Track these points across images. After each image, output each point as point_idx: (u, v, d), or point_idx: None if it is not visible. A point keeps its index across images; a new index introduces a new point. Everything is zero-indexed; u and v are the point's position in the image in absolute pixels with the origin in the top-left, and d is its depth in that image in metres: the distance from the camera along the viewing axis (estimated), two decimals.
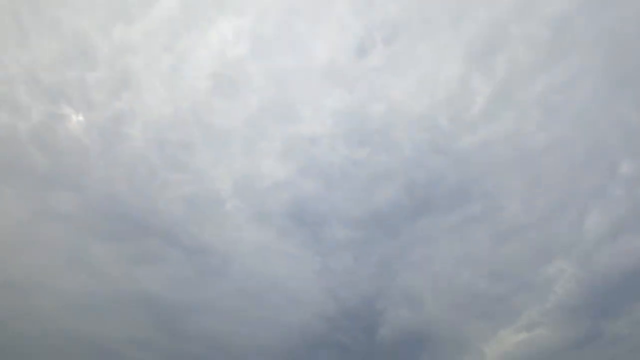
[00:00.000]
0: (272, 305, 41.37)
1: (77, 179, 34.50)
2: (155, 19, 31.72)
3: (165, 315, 39.13)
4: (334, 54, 33.35)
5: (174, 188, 35.47)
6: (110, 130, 31.52)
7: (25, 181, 33.50)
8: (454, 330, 41.26)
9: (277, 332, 41.27)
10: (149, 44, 30.66)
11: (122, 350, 38.32)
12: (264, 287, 41.11)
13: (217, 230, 38.40)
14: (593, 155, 36.53)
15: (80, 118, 30.45)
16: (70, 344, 36.99)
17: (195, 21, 32.44)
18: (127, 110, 31.20)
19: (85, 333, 37.62)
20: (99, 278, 37.84)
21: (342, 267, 41.48)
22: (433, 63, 33.36)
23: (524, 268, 40.20)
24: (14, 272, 34.47)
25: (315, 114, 34.69)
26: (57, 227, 36.09)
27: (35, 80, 31.05)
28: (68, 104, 30.35)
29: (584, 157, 36.68)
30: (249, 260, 40.16)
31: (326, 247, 41.29)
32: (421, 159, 37.60)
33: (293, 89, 33.51)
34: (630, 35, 32.18)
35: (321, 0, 33.36)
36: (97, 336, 37.88)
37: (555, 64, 33.34)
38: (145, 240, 37.66)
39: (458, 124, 35.85)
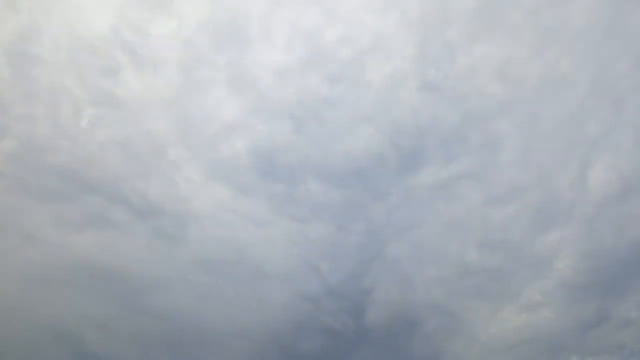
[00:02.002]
0: (245, 281, 36.22)
1: None
2: None
3: (124, 291, 33.97)
4: None
5: (105, 129, 30.57)
6: (17, 51, 26.64)
7: None
8: (447, 312, 35.99)
9: (256, 314, 36.03)
10: None
11: (79, 332, 33.23)
12: (231, 258, 36.04)
13: (166, 186, 33.43)
14: (596, 89, 31.15)
15: None
16: (15, 328, 32.01)
17: None
18: (31, 26, 26.28)
19: (33, 312, 32.66)
20: (40, 246, 33.03)
21: (323, 237, 36.23)
22: None
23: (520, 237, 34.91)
24: None
25: (267, 36, 29.49)
26: None
27: None
28: None
29: (586, 92, 31.28)
30: (209, 225, 35.15)
31: (303, 211, 35.93)
32: (402, 97, 32.49)
33: (237, 3, 28.26)
34: None
35: None
36: (48, 316, 32.80)
37: None
38: (85, 199, 32.81)
39: (436, 48, 30.48)
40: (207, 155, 33.12)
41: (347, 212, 36.42)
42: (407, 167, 35.79)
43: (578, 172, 32.44)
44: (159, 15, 27.55)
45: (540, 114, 32.61)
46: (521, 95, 32.13)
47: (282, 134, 33.04)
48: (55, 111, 29.15)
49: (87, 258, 32.79)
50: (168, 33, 28.03)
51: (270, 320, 35.86)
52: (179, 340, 34.47)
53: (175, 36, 28.21)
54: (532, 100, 32.20)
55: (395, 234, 37.42)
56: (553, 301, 33.57)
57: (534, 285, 34.10)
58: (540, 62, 30.85)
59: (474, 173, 34.96)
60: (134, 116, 29.91)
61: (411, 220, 36.99)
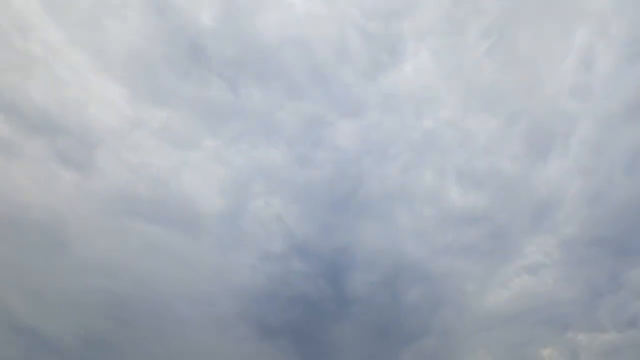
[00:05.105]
0: (182, 228, 27.76)
1: None
2: None
3: (40, 240, 25.93)
4: None
5: None
6: None
7: None
8: (435, 277, 29.73)
9: (211, 274, 28.49)
10: None
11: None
12: (157, 195, 27.62)
13: (50, 84, 25.06)
14: None
15: None
16: None
17: None
18: None
19: None
20: None
21: (279, 169, 27.62)
22: None
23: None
24: None
25: None
26: None
27: None
28: None
29: None
30: (118, 146, 26.60)
31: (245, 129, 27.61)
32: None
33: None
34: None
35: None
36: None
37: None
38: None
39: None
40: (90, 37, 24.55)
41: (307, 134, 27.36)
42: (380, 65, 26.63)
43: (577, 70, 25.34)
44: None
45: None
46: None
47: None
48: None
49: None
50: None
51: (231, 283, 28.36)
52: (125, 307, 26.05)
53: None
54: None
55: (371, 165, 28.36)
56: (555, 262, 28.05)
57: (532, 241, 28.50)
58: None
59: (455, 74, 27.32)
60: None
61: (392, 145, 28.06)
